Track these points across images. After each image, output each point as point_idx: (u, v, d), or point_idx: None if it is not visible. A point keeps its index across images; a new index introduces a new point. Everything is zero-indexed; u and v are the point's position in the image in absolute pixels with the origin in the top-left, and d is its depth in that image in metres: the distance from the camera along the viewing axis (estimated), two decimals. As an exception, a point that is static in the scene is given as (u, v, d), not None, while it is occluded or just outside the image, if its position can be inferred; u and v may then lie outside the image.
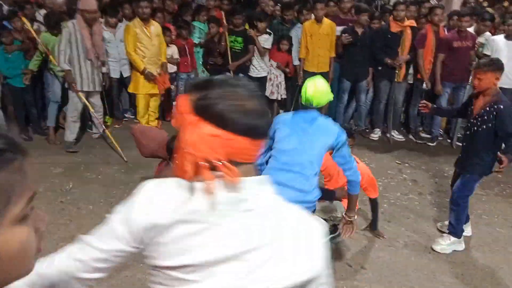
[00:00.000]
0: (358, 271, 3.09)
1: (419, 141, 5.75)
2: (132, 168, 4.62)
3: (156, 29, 5.17)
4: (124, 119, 6.11)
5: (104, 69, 5.06)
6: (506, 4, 6.42)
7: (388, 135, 5.79)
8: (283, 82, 5.99)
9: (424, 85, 5.46)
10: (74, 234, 3.36)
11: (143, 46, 5.09)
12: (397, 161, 5.11)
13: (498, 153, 3.04)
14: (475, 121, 3.15)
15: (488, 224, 3.83)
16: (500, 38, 5.20)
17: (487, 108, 3.07)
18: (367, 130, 6.02)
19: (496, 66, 3.10)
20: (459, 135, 5.65)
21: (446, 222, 3.55)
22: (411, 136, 5.89)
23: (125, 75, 5.71)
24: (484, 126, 3.08)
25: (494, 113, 3.03)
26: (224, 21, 5.56)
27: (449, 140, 5.78)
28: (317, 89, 2.53)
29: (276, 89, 6.00)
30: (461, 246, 3.38)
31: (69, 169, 4.56)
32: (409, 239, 3.51)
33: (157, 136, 3.32)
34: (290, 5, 6.05)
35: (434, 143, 5.68)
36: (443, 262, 3.25)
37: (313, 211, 2.59)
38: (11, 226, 0.60)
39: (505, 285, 3.05)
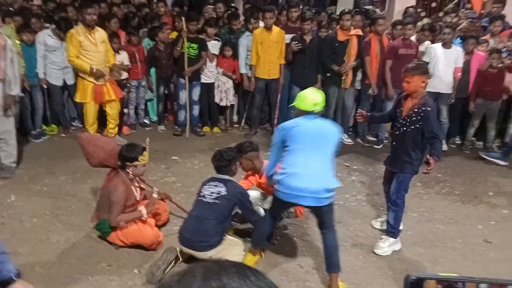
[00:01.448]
0: (309, 271, 3.18)
1: (366, 144, 6.01)
2: (80, 178, 4.46)
3: (101, 35, 5.06)
4: (72, 128, 5.91)
5: (13, 91, 4.17)
6: (441, 14, 6.88)
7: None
8: (231, 89, 6.09)
9: (370, 90, 5.72)
10: (16, 249, 3.20)
11: (88, 53, 4.96)
12: (346, 164, 5.30)
13: (427, 156, 3.20)
14: (404, 122, 3.32)
15: (429, 221, 4.07)
16: (437, 46, 5.57)
17: (415, 110, 3.25)
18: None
19: (422, 70, 3.32)
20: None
21: (380, 219, 3.78)
22: (359, 140, 6.14)
23: (69, 83, 5.57)
24: (413, 127, 3.26)
25: (422, 114, 3.22)
26: (184, 27, 5.53)
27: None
28: (318, 95, 2.97)
29: (225, 95, 6.08)
30: (398, 246, 3.53)
31: (11, 181, 4.33)
32: (357, 238, 3.66)
33: (106, 145, 3.25)
34: (237, 15, 6.16)
35: (380, 146, 5.96)
36: (389, 259, 3.41)
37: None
38: None
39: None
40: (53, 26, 5.34)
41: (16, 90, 4.22)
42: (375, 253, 3.45)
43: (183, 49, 5.58)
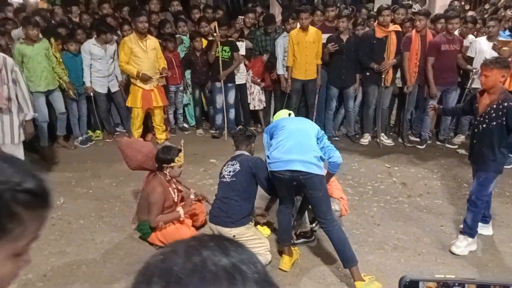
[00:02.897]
0: (348, 275, 3.10)
1: (409, 145, 5.80)
2: (123, 181, 4.64)
3: (152, 43, 5.27)
4: (116, 133, 6.16)
5: (28, 116, 3.81)
6: (487, 6, 6.52)
7: (377, 140, 5.83)
8: (259, 94, 6.14)
9: (406, 88, 5.53)
10: (64, 249, 3.37)
11: (139, 59, 5.17)
12: (386, 165, 5.15)
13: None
14: (481, 119, 3.20)
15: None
16: (482, 40, 5.28)
17: (494, 106, 3.11)
18: (357, 136, 6.07)
19: (503, 64, 3.15)
20: (448, 137, 5.73)
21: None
22: (400, 140, 5.94)
23: (113, 90, 5.81)
24: (494, 123, 3.12)
25: (504, 110, 3.07)
26: (217, 31, 5.64)
27: (438, 143, 5.83)
28: None
29: (251, 98, 6.16)
30: (475, 246, 3.40)
31: (60, 185, 4.57)
32: (398, 242, 3.53)
33: (143, 149, 3.36)
34: (271, 19, 6.15)
35: (423, 146, 5.73)
36: (432, 263, 3.26)
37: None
38: (6, 259, 0.64)
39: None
40: (95, 36, 5.60)
41: (30, 113, 3.81)
42: (452, 252, 3.34)
43: (217, 53, 5.67)
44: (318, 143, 3.03)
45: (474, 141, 3.36)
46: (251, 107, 6.23)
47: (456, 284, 0.58)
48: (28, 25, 4.88)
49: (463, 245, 3.35)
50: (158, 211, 3.22)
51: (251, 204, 3.21)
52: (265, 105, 6.28)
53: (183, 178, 3.84)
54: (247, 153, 3.31)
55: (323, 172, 2.93)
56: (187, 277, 0.53)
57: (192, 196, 3.48)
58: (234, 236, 2.98)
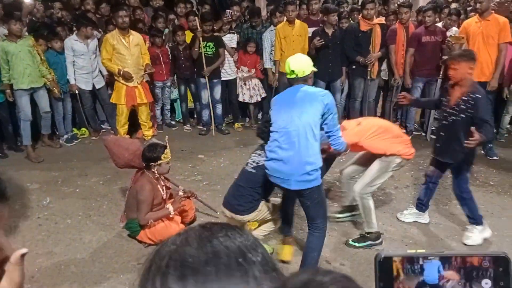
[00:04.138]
0: (337, 267, 3.13)
1: (395, 136, 5.84)
2: (110, 179, 4.59)
3: (135, 39, 5.20)
4: (102, 130, 6.09)
5: None
6: (470, -2, 6.61)
7: (364, 132, 5.87)
8: (258, 83, 6.08)
9: (393, 81, 5.58)
10: (51, 249, 3.34)
11: (122, 56, 5.10)
12: (374, 157, 5.19)
13: (472, 128, 3.03)
14: (452, 111, 3.23)
15: (462, 214, 3.89)
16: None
17: (464, 98, 3.15)
18: (344, 128, 6.10)
19: (469, 56, 3.19)
20: (433, 128, 5.80)
21: (405, 212, 3.75)
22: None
23: (98, 86, 5.74)
24: (463, 115, 3.16)
25: (472, 102, 3.11)
26: (199, 27, 5.59)
27: (423, 134, 5.90)
28: (298, 59, 2.82)
29: (254, 92, 6.08)
30: (488, 232, 3.44)
31: (46, 184, 4.51)
32: (386, 233, 3.58)
33: (131, 146, 3.32)
34: (257, 12, 6.13)
35: (409, 137, 5.78)
36: (420, 253, 3.31)
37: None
38: None
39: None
40: (76, 31, 5.50)
41: None
42: (465, 245, 3.37)
43: (200, 49, 5.63)
44: (321, 124, 2.71)
45: (442, 134, 3.39)
46: (256, 100, 6.14)
47: (421, 257, 0.60)
48: (11, 20, 4.77)
49: (473, 234, 3.40)
50: (147, 209, 3.21)
51: (262, 196, 3.12)
52: (265, 95, 6.16)
53: (172, 175, 3.81)
54: None
55: (320, 181, 2.74)
56: (202, 268, 0.56)
57: (181, 193, 3.47)
58: (248, 221, 3.06)
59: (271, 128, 2.83)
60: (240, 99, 6.14)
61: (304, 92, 2.72)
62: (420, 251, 0.61)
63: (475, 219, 3.42)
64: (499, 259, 0.60)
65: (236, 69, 6.05)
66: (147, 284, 0.56)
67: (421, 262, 0.60)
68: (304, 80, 2.77)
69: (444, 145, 3.37)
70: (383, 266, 0.61)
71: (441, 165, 3.49)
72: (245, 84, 6.05)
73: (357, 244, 3.35)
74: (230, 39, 5.88)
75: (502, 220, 3.81)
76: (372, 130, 3.25)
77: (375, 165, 3.30)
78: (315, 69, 2.84)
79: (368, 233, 3.36)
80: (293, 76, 2.77)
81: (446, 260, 0.60)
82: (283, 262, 3.13)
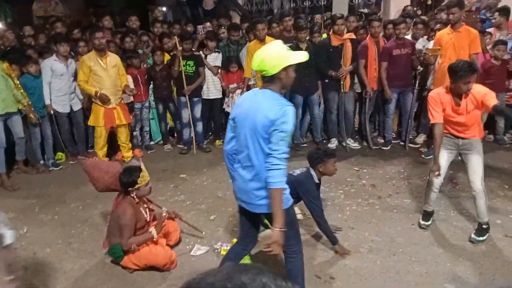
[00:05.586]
0: (327, 281, 3.11)
1: (375, 147, 5.95)
2: (90, 204, 4.47)
3: (113, 60, 5.16)
4: (79, 155, 5.94)
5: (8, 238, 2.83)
6: (435, 11, 6.85)
7: (344, 143, 5.95)
8: None
9: (364, 93, 5.72)
10: (30, 281, 3.19)
11: (99, 78, 5.05)
12: (355, 168, 5.25)
13: None
14: None
15: (445, 220, 3.98)
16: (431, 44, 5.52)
17: None
18: (324, 141, 6.16)
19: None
20: (410, 137, 5.93)
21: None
22: (365, 143, 6.08)
23: (75, 109, 5.63)
24: None
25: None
26: (178, 45, 5.59)
27: (401, 143, 6.02)
28: (266, 52, 2.22)
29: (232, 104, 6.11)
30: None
31: (23, 212, 4.35)
32: (373, 244, 3.59)
33: (111, 169, 3.25)
34: (237, 26, 6.20)
35: (388, 147, 5.90)
36: (407, 262, 3.33)
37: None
38: None
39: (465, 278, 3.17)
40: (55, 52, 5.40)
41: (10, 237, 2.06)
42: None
43: (180, 67, 5.62)
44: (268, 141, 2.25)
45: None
46: (228, 111, 6.12)
47: None
48: None
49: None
50: (130, 234, 3.12)
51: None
52: None
53: (154, 196, 3.74)
54: (312, 172, 3.34)
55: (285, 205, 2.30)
56: None
57: (164, 214, 3.39)
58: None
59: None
60: (229, 110, 6.13)
61: (259, 98, 2.37)
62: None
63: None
64: None
65: (221, 88, 6.03)
66: None
67: None
68: (273, 79, 2.36)
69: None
70: None
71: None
72: (232, 97, 6.06)
73: (482, 238, 3.54)
74: (216, 58, 5.88)
75: None
76: None
77: (477, 156, 3.53)
78: (289, 63, 2.29)
79: (486, 224, 3.57)
80: (259, 70, 2.36)
81: None
82: None
